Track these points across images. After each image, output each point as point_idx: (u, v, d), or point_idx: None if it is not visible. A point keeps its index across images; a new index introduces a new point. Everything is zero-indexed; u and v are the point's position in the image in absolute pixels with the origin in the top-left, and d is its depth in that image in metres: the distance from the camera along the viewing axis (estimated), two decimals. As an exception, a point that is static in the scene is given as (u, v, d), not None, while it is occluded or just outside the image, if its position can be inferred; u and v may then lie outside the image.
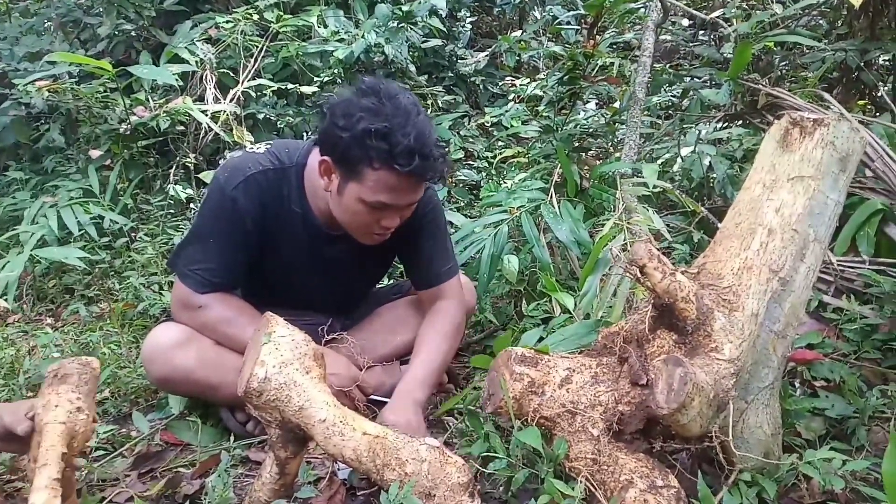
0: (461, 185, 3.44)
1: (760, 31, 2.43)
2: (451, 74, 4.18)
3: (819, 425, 1.37)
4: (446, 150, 1.57)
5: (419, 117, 1.49)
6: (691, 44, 3.51)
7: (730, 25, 2.60)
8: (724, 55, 2.82)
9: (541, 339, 1.64)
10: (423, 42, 3.78)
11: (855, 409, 1.40)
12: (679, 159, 2.60)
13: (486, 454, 1.31)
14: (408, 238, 1.77)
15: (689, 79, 3.04)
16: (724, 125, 2.67)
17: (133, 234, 2.94)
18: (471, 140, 3.75)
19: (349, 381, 1.64)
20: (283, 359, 1.26)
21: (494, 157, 3.49)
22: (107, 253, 2.84)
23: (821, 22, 3.04)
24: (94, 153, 3.22)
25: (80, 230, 2.83)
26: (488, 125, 3.87)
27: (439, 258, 1.82)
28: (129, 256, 2.76)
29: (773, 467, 1.21)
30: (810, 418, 1.37)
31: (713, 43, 3.15)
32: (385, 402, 1.79)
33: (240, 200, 1.62)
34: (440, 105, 3.90)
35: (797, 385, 1.49)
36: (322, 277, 1.81)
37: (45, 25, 4.05)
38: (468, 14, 4.43)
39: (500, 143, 3.72)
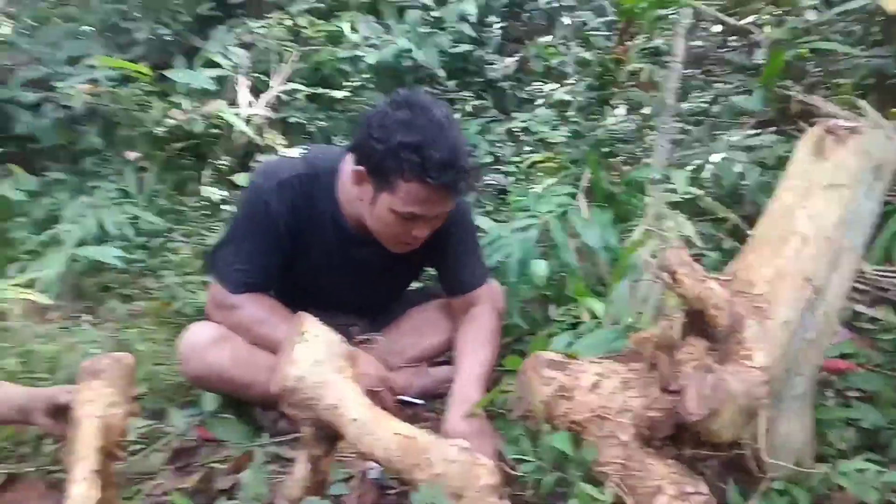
0: (489, 189, 3.45)
1: (793, 37, 2.41)
2: (479, 79, 4.20)
3: (852, 436, 1.35)
4: (478, 163, 1.59)
5: (452, 130, 1.51)
6: (722, 50, 3.48)
7: (762, 32, 2.58)
8: (756, 62, 2.79)
9: (570, 344, 1.65)
10: (452, 47, 3.81)
11: (889, 421, 1.38)
12: (709, 166, 2.58)
13: (515, 457, 1.32)
14: (438, 245, 1.79)
15: (720, 85, 3.02)
16: (756, 132, 2.65)
17: (168, 235, 3.01)
18: (499, 145, 3.76)
19: (378, 381, 1.66)
20: (316, 358, 1.29)
21: (522, 161, 3.50)
22: (143, 252, 2.91)
23: (856, 28, 3.00)
24: (132, 155, 3.30)
25: (117, 230, 2.90)
26: (516, 130, 3.88)
27: (471, 264, 1.84)
28: (165, 256, 2.83)
29: (805, 477, 1.20)
30: (843, 429, 1.36)
31: (745, 49, 3.12)
32: (413, 403, 1.82)
33: (273, 204, 1.66)
34: (468, 110, 3.93)
35: (830, 395, 1.48)
36: (351, 281, 1.84)
37: (85, 30, 4.15)
38: (497, 19, 4.45)
39: (528, 148, 3.73)
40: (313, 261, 1.78)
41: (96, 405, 1.24)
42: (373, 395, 1.62)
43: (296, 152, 1.76)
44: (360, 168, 1.58)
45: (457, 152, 1.49)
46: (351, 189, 1.64)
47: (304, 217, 1.70)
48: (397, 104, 1.54)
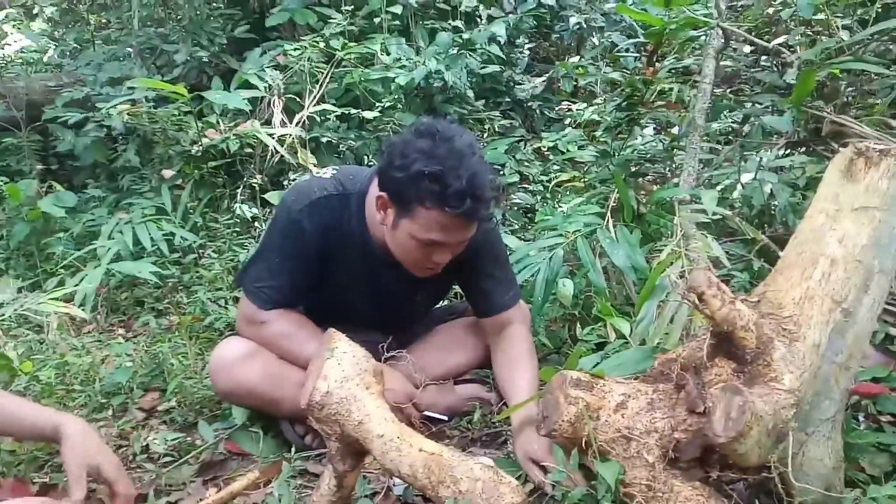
0: (516, 208, 3.47)
1: (826, 57, 2.39)
2: (508, 99, 4.23)
3: (884, 461, 1.33)
4: (499, 191, 1.58)
5: (473, 159, 1.51)
6: (753, 70, 3.46)
7: (793, 52, 2.56)
8: (787, 81, 2.77)
9: (596, 364, 1.64)
10: (481, 68, 3.85)
11: (923, 447, 1.35)
12: (739, 186, 2.57)
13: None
14: (467, 267, 1.81)
15: (750, 105, 3.00)
16: (787, 153, 2.62)
17: (201, 251, 3.07)
18: (526, 164, 3.78)
19: (404, 397, 1.68)
20: (344, 374, 1.31)
21: (550, 181, 3.51)
22: (176, 268, 2.97)
23: (891, 48, 2.97)
24: (167, 173, 3.38)
25: (152, 246, 2.97)
26: (544, 150, 3.90)
27: (503, 286, 1.84)
28: (198, 272, 2.89)
29: (834, 502, 1.18)
30: (875, 454, 1.33)
31: (776, 69, 3.09)
32: (439, 419, 1.82)
33: (304, 223, 1.69)
34: (497, 129, 3.95)
35: (861, 419, 1.45)
36: (379, 301, 1.86)
37: (126, 52, 4.29)
38: (526, 40, 4.49)
39: (555, 168, 3.74)
40: (341, 280, 1.80)
41: None
42: (398, 411, 1.64)
43: (327, 172, 1.79)
44: (383, 194, 1.61)
45: (477, 182, 1.49)
46: (375, 213, 1.66)
47: (335, 237, 1.73)
48: (419, 132, 1.55)
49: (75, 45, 4.85)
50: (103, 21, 5.10)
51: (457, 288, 2.51)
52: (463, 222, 1.55)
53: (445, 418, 1.85)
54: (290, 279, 1.74)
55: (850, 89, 2.75)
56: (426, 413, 1.78)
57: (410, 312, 2.01)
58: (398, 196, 1.56)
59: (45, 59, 4.96)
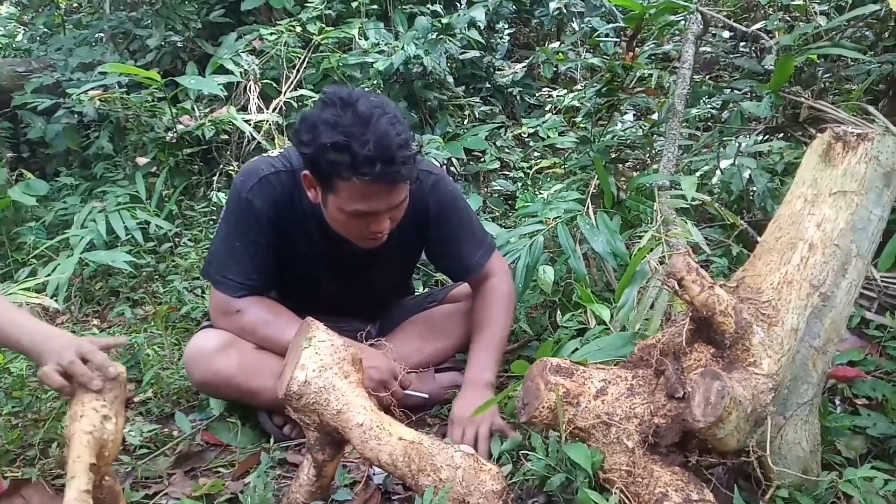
0: (497, 195, 3.46)
1: (803, 43, 2.39)
2: (488, 85, 4.20)
3: (860, 444, 1.34)
4: (414, 150, 1.52)
5: (382, 120, 1.46)
6: (732, 56, 3.46)
7: (771, 38, 2.56)
8: (766, 67, 2.78)
9: (575, 350, 1.64)
10: (461, 53, 3.81)
11: (898, 429, 1.37)
12: (718, 172, 2.57)
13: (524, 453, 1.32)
14: (430, 235, 1.80)
15: (729, 91, 3.01)
16: (765, 138, 2.63)
17: (177, 240, 3.03)
18: (507, 150, 3.77)
19: (388, 373, 1.65)
20: (322, 363, 1.29)
21: (530, 167, 3.51)
22: (151, 257, 2.93)
23: (867, 33, 2.98)
24: (142, 160, 3.32)
25: (126, 235, 2.91)
26: (525, 136, 3.88)
27: (471, 245, 1.83)
28: (173, 261, 2.84)
29: (811, 484, 1.19)
30: (851, 436, 1.35)
31: (754, 55, 3.10)
32: (422, 398, 1.82)
33: (255, 202, 1.66)
34: (477, 115, 3.93)
35: (838, 402, 1.47)
36: (343, 277, 1.83)
37: (97, 37, 4.19)
38: (506, 26, 4.46)
39: (536, 154, 3.73)
40: (303, 258, 1.78)
41: (87, 421, 1.16)
42: (383, 387, 1.61)
43: (275, 151, 1.77)
44: (307, 172, 1.57)
45: (385, 144, 1.44)
46: (309, 192, 1.63)
47: (288, 213, 1.70)
48: (324, 103, 1.51)
49: (45, 30, 4.73)
50: (74, 4, 4.98)
51: (438, 275, 2.51)
52: (384, 187, 1.50)
53: (426, 396, 1.84)
54: (253, 261, 1.71)
55: (827, 75, 2.77)
56: (408, 392, 1.77)
57: (380, 287, 1.97)
58: (316, 172, 1.53)
59: (13, 44, 4.84)
